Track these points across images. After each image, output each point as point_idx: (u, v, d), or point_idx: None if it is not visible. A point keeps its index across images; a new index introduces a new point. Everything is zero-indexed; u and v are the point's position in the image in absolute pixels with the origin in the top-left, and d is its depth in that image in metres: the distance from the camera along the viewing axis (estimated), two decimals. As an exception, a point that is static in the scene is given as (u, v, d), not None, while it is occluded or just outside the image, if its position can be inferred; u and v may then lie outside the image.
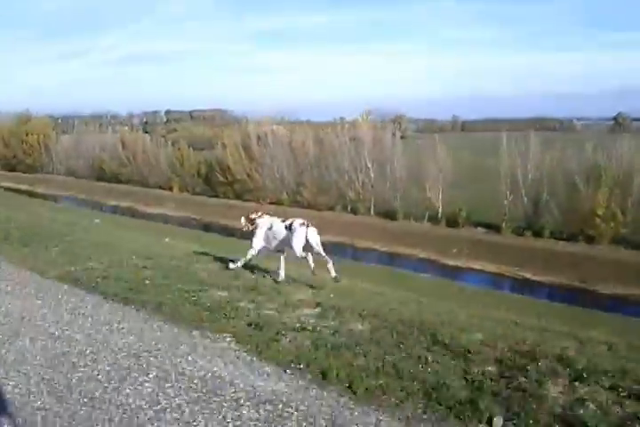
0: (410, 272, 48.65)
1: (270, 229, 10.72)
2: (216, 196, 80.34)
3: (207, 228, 69.15)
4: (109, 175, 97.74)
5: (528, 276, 47.86)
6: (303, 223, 10.35)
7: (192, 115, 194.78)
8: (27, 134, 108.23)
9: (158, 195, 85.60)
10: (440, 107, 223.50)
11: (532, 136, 58.67)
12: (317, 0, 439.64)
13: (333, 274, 10.29)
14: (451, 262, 51.77)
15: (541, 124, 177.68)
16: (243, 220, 11.20)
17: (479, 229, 58.19)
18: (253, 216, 11.15)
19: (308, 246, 10.21)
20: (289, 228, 10.42)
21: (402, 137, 75.04)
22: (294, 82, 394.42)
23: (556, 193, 55.09)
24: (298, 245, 10.19)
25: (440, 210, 60.91)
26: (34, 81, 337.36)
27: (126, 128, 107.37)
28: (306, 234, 10.19)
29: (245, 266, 11.20)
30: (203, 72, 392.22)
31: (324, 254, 10.24)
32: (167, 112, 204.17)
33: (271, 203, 72.73)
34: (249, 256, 11.03)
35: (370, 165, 66.69)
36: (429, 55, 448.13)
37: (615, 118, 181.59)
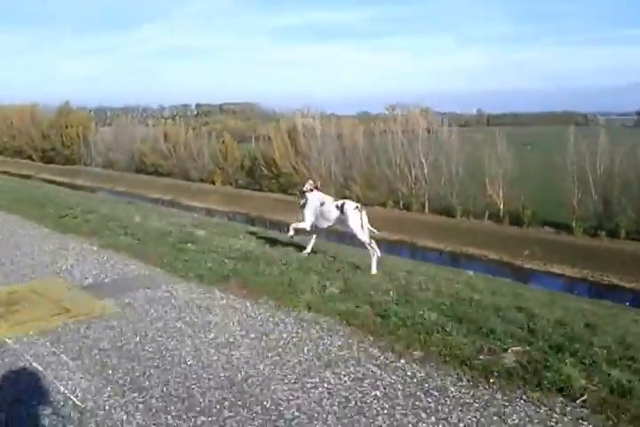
0: (487, 275, 43.31)
1: (321, 205, 10.19)
2: (260, 189, 75.96)
3: (254, 222, 64.41)
4: (150, 168, 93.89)
5: (616, 281, 42.54)
6: (357, 207, 9.86)
7: (222, 108, 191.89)
8: (66, 126, 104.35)
9: (200, 188, 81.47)
10: (461, 101, 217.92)
11: (602, 131, 53.11)
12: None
13: (374, 270, 9.59)
14: (526, 265, 46.62)
15: (566, 119, 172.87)
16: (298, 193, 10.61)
17: (546, 228, 52.91)
18: (305, 188, 10.52)
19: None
20: (340, 209, 9.90)
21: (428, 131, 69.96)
22: (319, 76, 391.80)
23: (629, 190, 49.59)
24: (358, 227, 9.70)
25: (502, 207, 55.77)
26: (69, 74, 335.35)
27: (170, 120, 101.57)
28: (361, 218, 9.67)
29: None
30: (230, 66, 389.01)
31: (373, 245, 9.67)
32: (197, 105, 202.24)
33: (318, 198, 68.11)
34: (301, 225, 10.44)
35: (423, 160, 61.41)
36: (452, 50, 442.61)
37: (638, 113, 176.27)
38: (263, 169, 74.35)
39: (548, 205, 53.63)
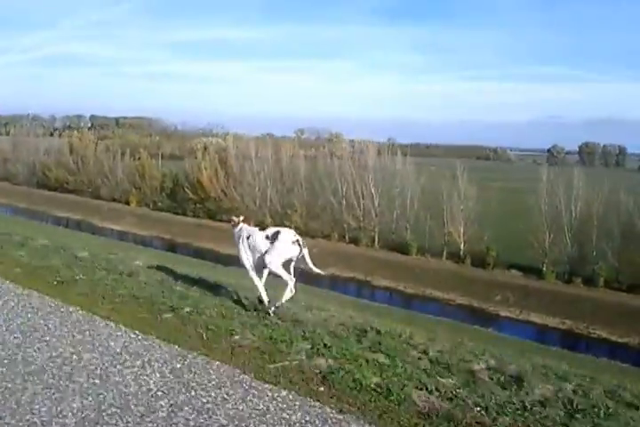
0: (463, 325, 37.06)
1: (248, 239, 7.77)
2: (183, 213, 67.13)
3: (179, 249, 56.03)
4: (54, 183, 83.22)
5: (604, 335, 37.52)
6: (297, 241, 7.38)
7: (118, 122, 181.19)
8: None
9: (113, 208, 71.86)
10: (366, 128, 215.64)
11: (575, 170, 48.71)
12: (248, 15, 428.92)
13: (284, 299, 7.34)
14: (502, 313, 41.08)
15: (474, 153, 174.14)
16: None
17: (513, 271, 47.45)
18: (233, 223, 8.14)
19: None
20: (272, 238, 7.46)
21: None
22: (221, 94, 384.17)
23: (609, 233, 44.86)
24: (277, 258, 7.36)
25: (462, 247, 49.72)
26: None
27: (75, 132, 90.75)
28: (299, 252, 7.34)
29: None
30: (126, 79, 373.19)
31: (314, 269, 7.45)
32: (92, 117, 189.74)
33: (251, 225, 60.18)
34: (255, 280, 7.63)
35: (373, 190, 54.92)
36: (359, 76, 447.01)
37: (549, 150, 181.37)
38: (188, 192, 65.55)
39: (511, 246, 48.23)
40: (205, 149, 70.35)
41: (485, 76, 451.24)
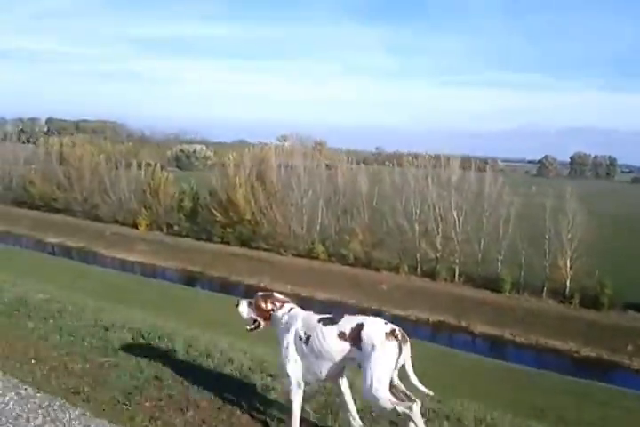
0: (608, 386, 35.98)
1: (305, 337, 5.36)
2: (207, 239, 65.17)
3: (214, 286, 54.45)
4: (37, 200, 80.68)
5: None
6: (393, 333, 5.01)
7: (78, 125, 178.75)
8: None
9: (118, 233, 69.90)
10: (345, 135, 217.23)
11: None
12: (217, 9, 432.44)
13: None
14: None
15: (466, 163, 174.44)
16: (244, 309, 5.85)
17: (631, 313, 46.08)
18: (269, 305, 5.75)
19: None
20: (355, 337, 5.08)
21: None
22: (189, 95, 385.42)
23: None
24: (384, 376, 4.89)
25: (568, 283, 48.33)
26: None
27: (66, 139, 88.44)
28: (399, 354, 4.97)
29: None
30: (85, 78, 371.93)
31: (419, 386, 5.02)
32: (49, 120, 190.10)
33: (297, 255, 58.88)
34: (294, 403, 5.39)
35: (456, 213, 53.45)
36: (333, 79, 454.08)
37: (541, 161, 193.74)
38: (215, 213, 63.66)
39: (624, 282, 46.85)
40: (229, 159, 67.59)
41: (461, 81, 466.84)
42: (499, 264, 52.03)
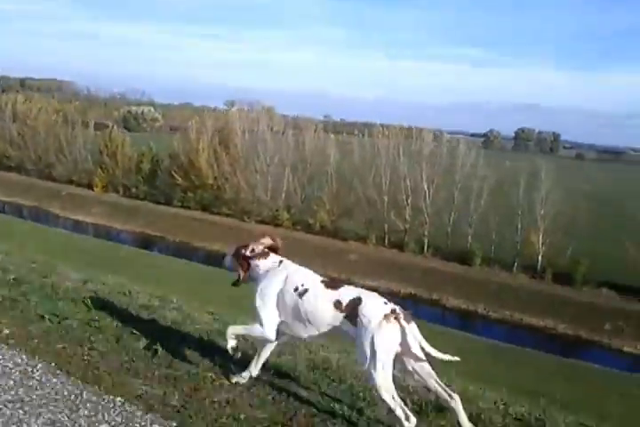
0: (586, 364, 34.58)
1: (297, 293, 4.89)
2: (167, 203, 62.08)
3: (176, 252, 51.66)
4: (-12, 158, 76.65)
5: None
6: (393, 312, 4.46)
7: (23, 83, 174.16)
8: None
9: (74, 194, 66.15)
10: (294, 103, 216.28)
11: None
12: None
13: None
14: (625, 348, 38.54)
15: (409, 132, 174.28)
16: (227, 260, 5.38)
17: (605, 291, 44.69)
18: (251, 250, 5.20)
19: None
20: (351, 310, 4.61)
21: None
22: (133, 57, 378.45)
23: None
24: (384, 357, 4.41)
25: (540, 258, 46.85)
26: None
27: (19, 96, 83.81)
28: (401, 334, 4.46)
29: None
30: (28, 35, 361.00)
31: (442, 356, 4.51)
32: None
33: (260, 222, 56.37)
34: (256, 331, 5.06)
35: (425, 185, 51.46)
36: (280, 47, 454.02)
37: (486, 135, 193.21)
38: (176, 177, 60.41)
39: (597, 258, 45.57)
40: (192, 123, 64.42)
41: (409, 55, 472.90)
42: (469, 238, 50.24)
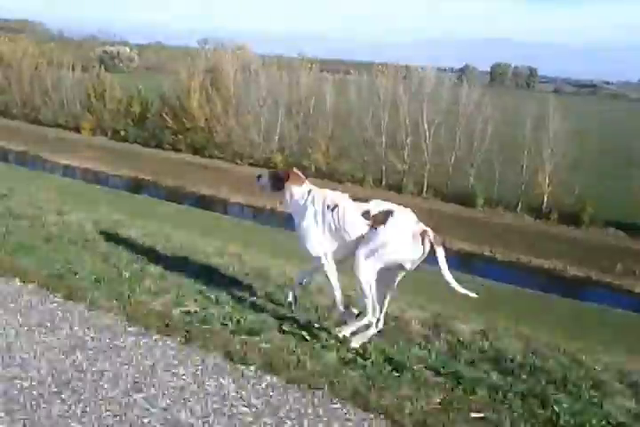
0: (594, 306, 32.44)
1: (332, 211, 5.23)
2: (157, 146, 59.47)
3: (171, 196, 49.14)
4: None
5: None
6: (424, 233, 4.85)
7: None
8: None
9: (62, 138, 63.35)
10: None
11: None
12: None
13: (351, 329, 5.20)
14: (637, 289, 36.18)
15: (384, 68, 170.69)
16: (264, 178, 5.60)
17: (611, 230, 42.98)
18: (286, 176, 5.49)
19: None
20: (377, 220, 4.98)
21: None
22: None
23: None
24: (382, 256, 4.91)
25: (545, 199, 44.66)
26: None
27: (2, 37, 79.98)
28: (423, 243, 4.82)
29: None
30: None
31: (461, 290, 4.88)
32: None
33: (253, 165, 53.87)
34: (331, 275, 5.30)
35: (426, 125, 48.86)
36: None
37: (462, 69, 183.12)
38: (167, 119, 57.46)
39: (601, 197, 43.57)
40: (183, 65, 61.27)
41: None
42: (471, 178, 47.89)
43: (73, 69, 68.92)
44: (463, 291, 4.79)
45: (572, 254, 39.68)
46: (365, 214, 4.96)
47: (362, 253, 4.85)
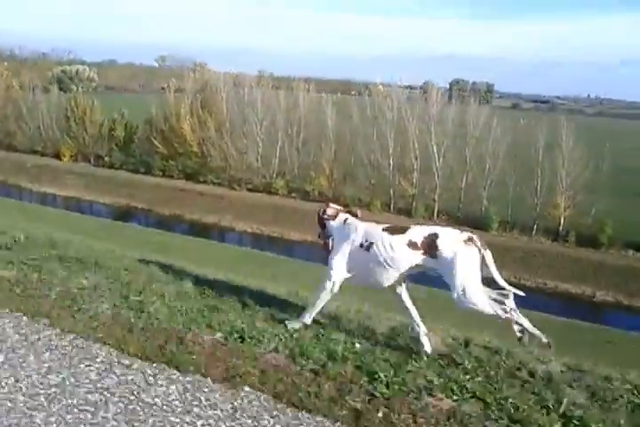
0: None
1: (367, 244, 5.16)
2: (147, 172, 56.69)
3: (172, 226, 46.67)
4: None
5: None
6: (471, 240, 4.86)
7: None
8: None
9: (41, 165, 60.04)
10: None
11: None
12: None
13: (543, 339, 4.82)
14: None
15: (346, 88, 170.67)
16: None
17: (630, 252, 42.37)
18: (323, 213, 5.61)
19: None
20: (428, 245, 4.92)
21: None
22: (54, 15, 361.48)
23: None
24: (475, 282, 4.79)
25: (562, 222, 43.46)
26: None
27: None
28: (481, 259, 4.86)
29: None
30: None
31: (509, 288, 4.86)
32: None
33: (252, 190, 51.73)
34: (324, 294, 5.38)
35: (436, 148, 47.63)
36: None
37: (422, 87, 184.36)
38: (157, 144, 54.84)
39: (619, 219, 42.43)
40: (169, 86, 58.57)
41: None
42: (483, 201, 46.47)
43: (33, 91, 65.27)
44: (515, 290, 4.83)
45: (597, 278, 38.77)
46: (412, 244, 4.89)
47: (458, 285, 4.65)
